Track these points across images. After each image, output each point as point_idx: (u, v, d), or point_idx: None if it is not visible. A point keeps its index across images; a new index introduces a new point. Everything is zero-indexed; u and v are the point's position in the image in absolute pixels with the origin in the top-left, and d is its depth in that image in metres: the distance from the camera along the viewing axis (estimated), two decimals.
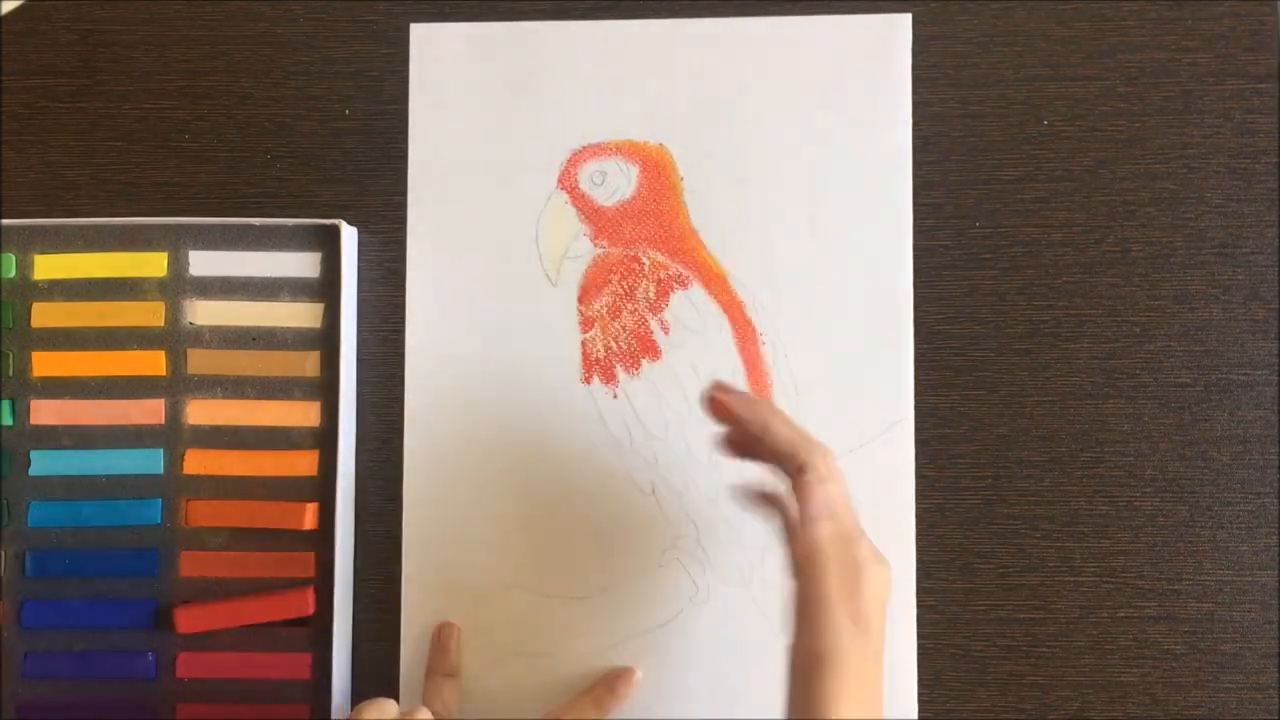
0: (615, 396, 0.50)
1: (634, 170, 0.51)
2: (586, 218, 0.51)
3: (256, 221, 0.50)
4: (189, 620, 0.49)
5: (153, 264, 0.50)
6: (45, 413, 0.50)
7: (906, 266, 0.50)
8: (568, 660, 0.49)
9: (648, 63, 0.51)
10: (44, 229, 0.51)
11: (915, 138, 0.51)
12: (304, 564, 0.49)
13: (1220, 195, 0.50)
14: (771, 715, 0.49)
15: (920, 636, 0.49)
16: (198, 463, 0.50)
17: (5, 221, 0.51)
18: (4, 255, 0.50)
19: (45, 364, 0.50)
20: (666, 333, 0.50)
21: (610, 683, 0.49)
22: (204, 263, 0.51)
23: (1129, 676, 0.49)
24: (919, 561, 0.49)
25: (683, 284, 0.51)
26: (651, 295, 0.50)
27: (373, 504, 0.51)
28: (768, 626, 0.49)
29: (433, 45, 0.52)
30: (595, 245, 0.51)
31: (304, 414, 0.50)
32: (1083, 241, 0.50)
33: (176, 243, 0.51)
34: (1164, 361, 0.50)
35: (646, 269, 0.51)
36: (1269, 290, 0.50)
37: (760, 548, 0.49)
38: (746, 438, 0.42)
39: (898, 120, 0.51)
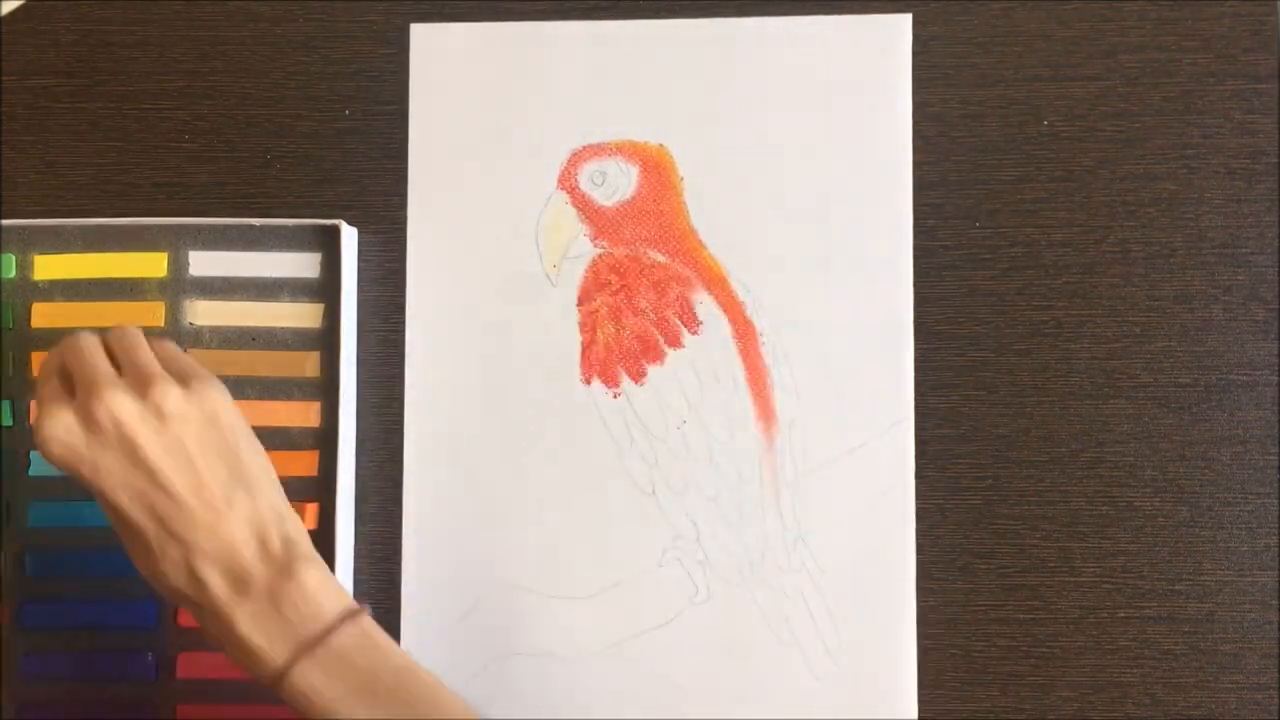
0: (616, 397, 0.50)
1: (634, 170, 0.51)
2: (586, 218, 0.51)
3: (256, 222, 0.50)
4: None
5: (153, 264, 0.50)
6: None
7: (906, 266, 0.50)
8: (568, 660, 0.49)
9: (648, 63, 0.51)
10: (44, 229, 0.51)
11: (915, 138, 0.51)
12: None
13: (1220, 195, 0.50)
14: (771, 715, 0.49)
15: (920, 636, 0.49)
16: None
17: (5, 221, 0.51)
18: (4, 255, 0.50)
19: None
20: (666, 333, 0.50)
21: None
22: (204, 263, 0.51)
23: (1129, 676, 0.49)
24: (919, 561, 0.49)
25: (683, 284, 0.51)
26: (651, 295, 0.50)
27: (373, 504, 0.51)
28: (768, 626, 0.49)
29: (433, 45, 0.52)
30: (595, 245, 0.51)
31: (304, 414, 0.50)
32: (1083, 241, 0.50)
33: (176, 243, 0.51)
34: (1164, 361, 0.50)
35: (646, 269, 0.51)
36: (1269, 290, 0.50)
37: (760, 548, 0.49)
38: None
39: (898, 120, 0.51)
